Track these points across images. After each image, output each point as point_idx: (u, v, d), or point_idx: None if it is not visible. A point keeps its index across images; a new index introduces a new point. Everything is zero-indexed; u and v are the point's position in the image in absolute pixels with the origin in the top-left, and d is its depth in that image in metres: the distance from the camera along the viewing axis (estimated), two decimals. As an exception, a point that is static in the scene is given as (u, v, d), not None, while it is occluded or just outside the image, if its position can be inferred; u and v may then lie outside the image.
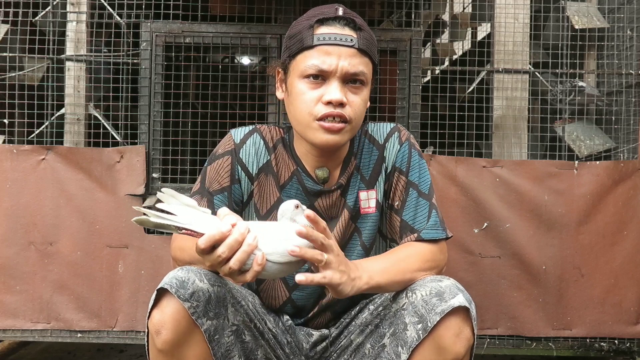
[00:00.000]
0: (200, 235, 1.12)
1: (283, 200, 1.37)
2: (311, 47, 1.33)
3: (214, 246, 1.12)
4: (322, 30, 1.34)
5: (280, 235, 1.17)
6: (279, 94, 1.45)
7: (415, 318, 1.26)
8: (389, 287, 1.32)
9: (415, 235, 1.41)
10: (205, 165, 1.49)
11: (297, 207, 1.21)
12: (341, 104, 1.32)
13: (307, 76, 1.33)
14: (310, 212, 1.16)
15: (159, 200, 1.16)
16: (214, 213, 1.23)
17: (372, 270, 1.28)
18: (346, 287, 1.22)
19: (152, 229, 2.31)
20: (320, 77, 1.33)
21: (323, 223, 1.18)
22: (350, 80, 1.34)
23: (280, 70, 1.43)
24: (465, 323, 1.23)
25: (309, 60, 1.33)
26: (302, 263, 1.20)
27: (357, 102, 1.35)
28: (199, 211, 1.15)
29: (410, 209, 1.43)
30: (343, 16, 1.35)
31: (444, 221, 1.45)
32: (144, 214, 1.11)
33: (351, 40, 1.33)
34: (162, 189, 1.15)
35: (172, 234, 1.48)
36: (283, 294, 1.49)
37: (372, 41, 1.38)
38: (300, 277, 1.14)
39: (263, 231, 1.17)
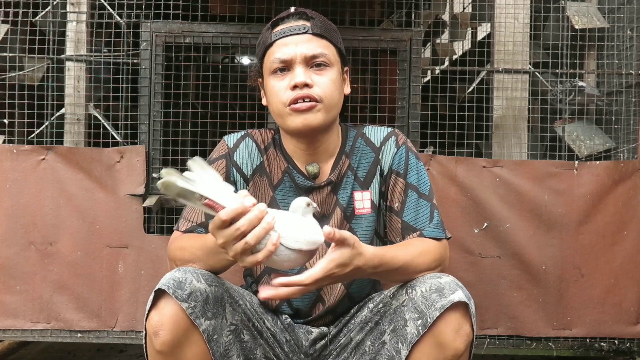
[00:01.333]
0: (221, 207, 1.13)
1: (277, 200, 1.45)
2: (271, 44, 1.43)
3: (233, 221, 1.13)
4: (279, 27, 1.44)
5: (295, 223, 1.21)
6: (264, 101, 1.52)
7: (415, 314, 1.27)
8: (399, 271, 1.33)
9: (417, 233, 1.43)
10: None
11: (309, 205, 1.26)
12: (306, 85, 1.38)
13: (274, 71, 1.42)
14: (330, 231, 1.19)
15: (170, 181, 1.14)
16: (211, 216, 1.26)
17: (382, 254, 1.30)
18: (345, 278, 1.25)
19: (156, 223, 2.33)
20: (285, 69, 1.41)
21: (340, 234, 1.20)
22: (314, 64, 1.41)
23: (259, 79, 1.51)
24: (465, 319, 1.23)
25: (272, 56, 1.42)
26: (310, 256, 1.22)
27: (323, 81, 1.40)
28: (223, 185, 1.17)
29: (410, 210, 1.45)
30: (295, 12, 1.45)
31: (443, 222, 1.47)
32: (168, 180, 1.11)
33: (304, 27, 1.42)
34: (194, 158, 1.16)
35: (171, 233, 1.49)
36: None
37: (327, 26, 1.46)
38: (327, 229, 1.18)
39: (279, 216, 1.19)
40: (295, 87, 1.38)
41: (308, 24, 1.42)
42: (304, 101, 1.38)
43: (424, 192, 1.47)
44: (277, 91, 1.41)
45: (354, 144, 1.52)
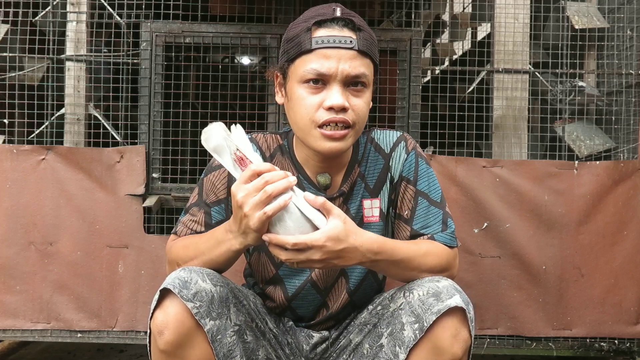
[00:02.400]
0: (251, 162, 1.21)
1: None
2: (310, 51, 1.29)
3: (259, 175, 1.17)
4: (321, 32, 1.30)
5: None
6: (279, 99, 1.42)
7: (412, 318, 1.25)
8: (404, 265, 1.32)
9: (428, 236, 1.40)
10: (202, 176, 1.48)
11: None
12: (343, 109, 1.29)
13: (307, 81, 1.30)
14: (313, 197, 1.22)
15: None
16: (212, 226, 1.39)
17: (387, 242, 1.30)
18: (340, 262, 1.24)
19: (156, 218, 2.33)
20: (320, 81, 1.30)
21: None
22: (351, 83, 1.31)
23: (279, 74, 1.40)
24: (463, 324, 1.22)
25: (308, 65, 1.29)
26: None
27: (359, 105, 1.32)
28: (255, 152, 1.25)
29: (420, 218, 1.42)
30: (341, 17, 1.31)
31: (454, 231, 1.44)
32: (213, 127, 1.21)
33: (351, 42, 1.29)
34: (237, 125, 1.22)
35: (170, 234, 1.49)
36: (283, 303, 1.49)
37: (372, 41, 1.35)
38: (311, 195, 1.21)
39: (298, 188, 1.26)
40: (330, 108, 1.29)
41: (354, 37, 1.30)
42: (336, 125, 1.30)
43: (435, 199, 1.43)
44: (307, 106, 1.31)
45: (364, 151, 1.48)
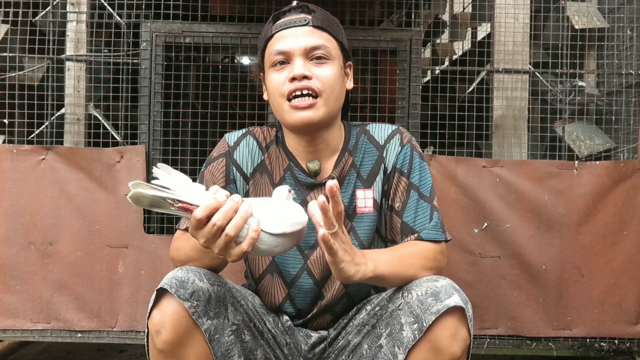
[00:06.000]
0: (196, 207, 1.12)
1: None
2: (272, 36, 1.43)
3: (209, 217, 1.12)
4: (280, 21, 1.44)
5: (274, 208, 1.19)
6: (265, 96, 1.51)
7: (411, 318, 1.26)
8: (390, 280, 1.32)
9: (416, 235, 1.41)
10: (202, 169, 1.52)
11: (290, 191, 1.25)
12: (305, 77, 1.37)
13: (274, 64, 1.41)
14: (331, 185, 1.12)
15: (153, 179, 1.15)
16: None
17: (378, 260, 1.28)
18: (349, 268, 1.20)
19: (152, 214, 2.33)
20: (285, 62, 1.40)
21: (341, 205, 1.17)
22: (313, 57, 1.40)
23: (261, 74, 1.51)
24: (461, 323, 1.22)
25: (271, 48, 1.41)
26: (298, 237, 1.21)
27: (323, 74, 1.39)
28: (193, 186, 1.15)
29: (410, 211, 1.43)
30: (296, 6, 1.45)
31: (444, 224, 1.45)
32: (137, 192, 1.09)
33: (305, 20, 1.41)
34: (158, 164, 1.15)
35: (171, 233, 1.49)
36: (282, 291, 1.49)
37: (329, 19, 1.45)
38: (322, 231, 1.12)
39: (257, 204, 1.18)
40: (293, 79, 1.37)
41: (309, 16, 1.42)
42: (302, 94, 1.37)
43: (424, 193, 1.45)
44: (276, 84, 1.40)
45: (357, 141, 1.50)
